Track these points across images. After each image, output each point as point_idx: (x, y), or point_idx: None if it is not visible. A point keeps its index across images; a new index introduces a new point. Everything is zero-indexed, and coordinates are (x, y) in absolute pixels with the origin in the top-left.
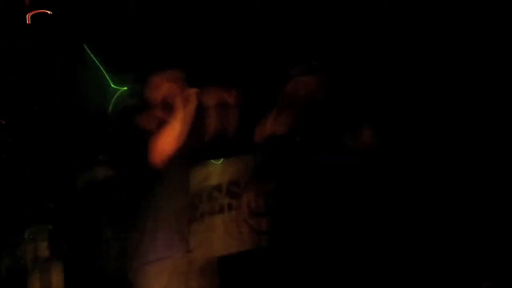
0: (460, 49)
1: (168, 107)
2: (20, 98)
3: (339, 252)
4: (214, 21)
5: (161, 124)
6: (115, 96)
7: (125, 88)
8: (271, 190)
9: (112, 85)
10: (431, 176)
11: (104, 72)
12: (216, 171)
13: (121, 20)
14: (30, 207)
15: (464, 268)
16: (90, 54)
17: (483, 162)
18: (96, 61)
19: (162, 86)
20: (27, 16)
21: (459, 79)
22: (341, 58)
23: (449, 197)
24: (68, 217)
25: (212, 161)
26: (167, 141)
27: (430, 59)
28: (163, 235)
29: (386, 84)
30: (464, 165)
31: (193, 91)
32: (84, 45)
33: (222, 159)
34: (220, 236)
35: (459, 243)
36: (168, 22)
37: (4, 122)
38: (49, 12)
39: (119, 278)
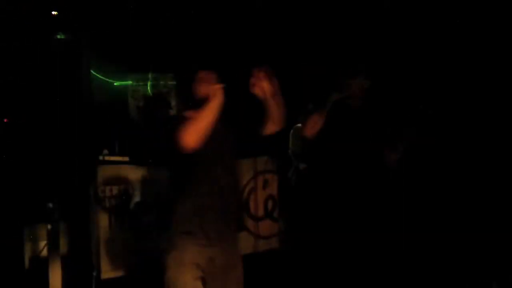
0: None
1: (202, 101)
2: (20, 98)
3: (344, 258)
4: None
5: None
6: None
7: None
8: (272, 195)
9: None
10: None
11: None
12: None
13: (123, 18)
14: (29, 206)
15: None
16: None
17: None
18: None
19: (203, 82)
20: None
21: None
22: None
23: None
24: (67, 216)
25: None
26: (198, 128)
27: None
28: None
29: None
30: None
31: (219, 87)
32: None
33: None
34: None
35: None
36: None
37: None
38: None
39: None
